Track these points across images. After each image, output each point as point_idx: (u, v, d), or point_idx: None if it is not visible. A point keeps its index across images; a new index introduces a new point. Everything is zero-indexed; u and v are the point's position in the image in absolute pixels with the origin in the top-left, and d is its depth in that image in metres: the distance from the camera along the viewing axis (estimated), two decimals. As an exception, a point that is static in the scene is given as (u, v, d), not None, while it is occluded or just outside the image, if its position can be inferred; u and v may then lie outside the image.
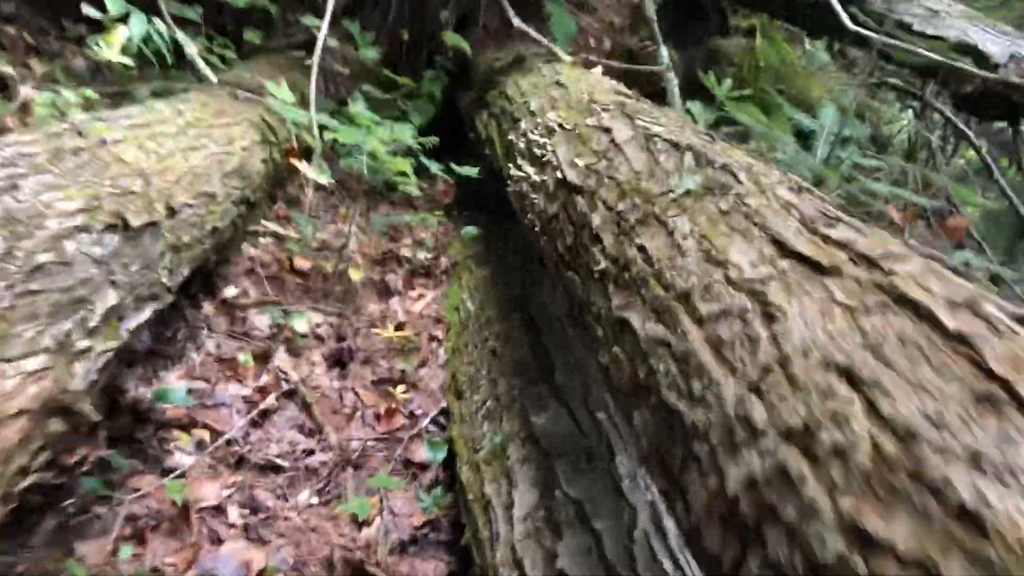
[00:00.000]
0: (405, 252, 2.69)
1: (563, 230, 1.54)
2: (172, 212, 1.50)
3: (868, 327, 0.75)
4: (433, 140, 2.50)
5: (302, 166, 2.23)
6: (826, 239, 0.94)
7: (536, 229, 1.80)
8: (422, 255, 2.67)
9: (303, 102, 2.68)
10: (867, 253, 0.87)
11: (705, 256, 1.02)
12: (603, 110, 1.85)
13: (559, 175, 1.66)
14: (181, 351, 1.93)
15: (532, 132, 2.15)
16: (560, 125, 1.94)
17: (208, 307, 2.04)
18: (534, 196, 1.84)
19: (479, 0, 3.84)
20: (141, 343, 1.87)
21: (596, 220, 1.35)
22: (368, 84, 3.38)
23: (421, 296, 2.49)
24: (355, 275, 2.27)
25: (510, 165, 2.31)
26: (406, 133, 2.54)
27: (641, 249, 1.16)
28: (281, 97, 2.38)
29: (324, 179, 2.26)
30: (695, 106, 3.30)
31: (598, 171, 1.51)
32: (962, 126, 3.69)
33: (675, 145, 1.40)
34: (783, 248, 0.95)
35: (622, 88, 2.29)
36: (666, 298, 1.02)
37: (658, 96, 3.59)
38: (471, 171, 2.57)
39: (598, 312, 1.24)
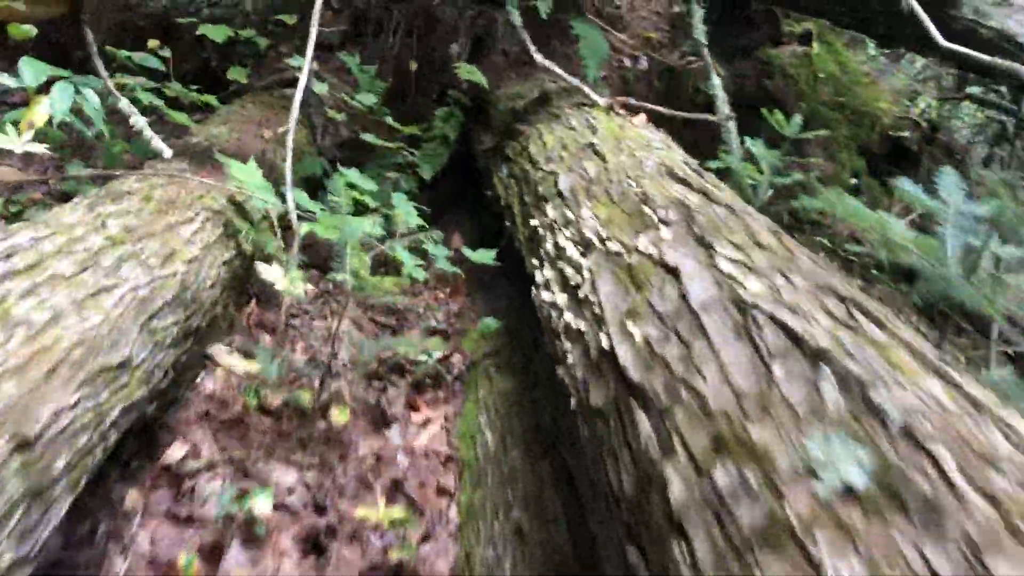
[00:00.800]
0: (408, 354, 2.18)
1: (616, 451, 1.01)
2: (26, 443, 1.00)
3: None
4: (437, 235, 1.99)
5: (268, 275, 1.72)
6: None
7: (572, 399, 1.28)
8: (428, 358, 2.15)
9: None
10: None
11: None
12: (661, 221, 1.31)
13: (605, 342, 1.13)
14: (100, 556, 1.44)
15: (562, 232, 1.62)
16: (600, 237, 1.41)
17: (136, 494, 1.54)
18: (568, 348, 1.31)
19: (496, 22, 3.30)
20: (41, 552, 1.38)
21: (676, 486, 0.82)
22: (369, 129, 2.89)
23: (427, 422, 1.97)
24: (340, 416, 1.76)
25: (534, 262, 1.79)
26: (407, 211, 2.03)
27: (772, 613, 0.63)
28: (246, 179, 1.88)
29: (297, 288, 1.76)
30: (757, 146, 2.74)
31: (666, 361, 0.97)
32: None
33: (795, 339, 0.87)
34: None
35: (675, 159, 1.75)
36: None
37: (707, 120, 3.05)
38: (487, 256, 2.06)
39: None
